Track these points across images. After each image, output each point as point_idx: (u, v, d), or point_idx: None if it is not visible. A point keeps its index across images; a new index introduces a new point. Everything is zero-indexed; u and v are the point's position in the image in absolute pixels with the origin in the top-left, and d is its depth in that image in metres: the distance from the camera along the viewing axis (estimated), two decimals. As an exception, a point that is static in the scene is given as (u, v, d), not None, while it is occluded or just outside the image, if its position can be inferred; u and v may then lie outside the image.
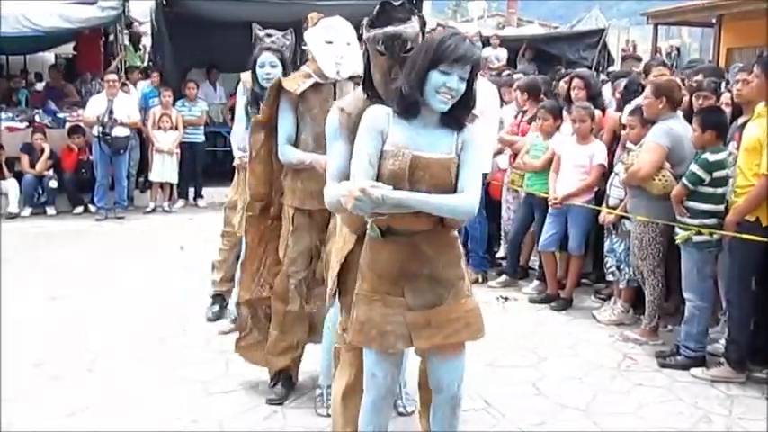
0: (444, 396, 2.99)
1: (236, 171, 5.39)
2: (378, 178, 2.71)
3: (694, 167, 4.79)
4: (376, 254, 2.85)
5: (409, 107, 2.76)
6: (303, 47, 4.12)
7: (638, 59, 9.02)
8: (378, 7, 3.03)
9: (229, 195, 5.62)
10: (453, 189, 2.77)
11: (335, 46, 3.89)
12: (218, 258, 5.71)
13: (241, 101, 5.25)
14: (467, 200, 2.75)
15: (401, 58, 2.92)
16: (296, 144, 4.04)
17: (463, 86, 2.73)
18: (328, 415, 3.92)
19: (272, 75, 4.68)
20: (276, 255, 4.25)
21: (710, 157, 4.76)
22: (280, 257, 4.21)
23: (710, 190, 4.75)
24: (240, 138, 5.13)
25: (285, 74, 4.75)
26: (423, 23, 3.04)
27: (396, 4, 3.03)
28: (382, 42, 2.96)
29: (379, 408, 3.01)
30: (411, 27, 2.97)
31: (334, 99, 3.95)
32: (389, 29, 2.96)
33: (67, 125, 10.81)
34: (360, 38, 3.35)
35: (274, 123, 4.09)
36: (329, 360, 4.01)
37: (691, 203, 4.84)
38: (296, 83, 3.99)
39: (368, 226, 2.86)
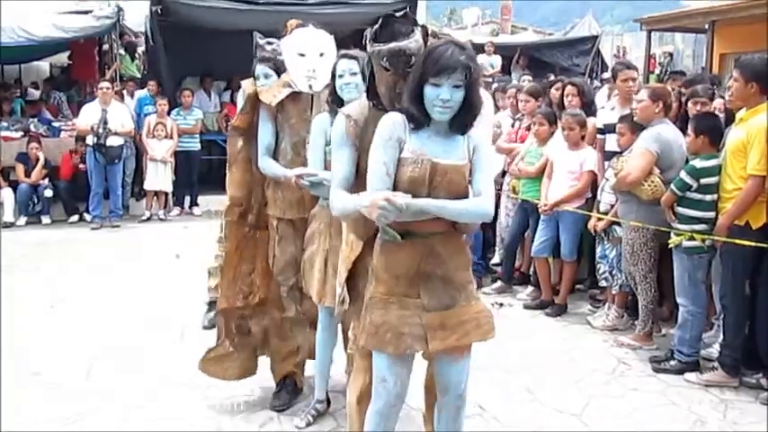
0: (450, 397, 3.02)
1: None
2: (396, 185, 2.77)
3: (682, 173, 4.83)
4: (392, 256, 2.87)
5: (418, 121, 2.82)
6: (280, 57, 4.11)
7: (627, 66, 9.01)
8: (381, 21, 3.04)
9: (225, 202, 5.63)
10: (466, 193, 2.84)
11: (307, 58, 3.88)
12: (214, 265, 5.72)
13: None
14: (484, 204, 2.83)
15: (405, 74, 2.94)
16: (275, 153, 4.06)
17: (459, 94, 2.75)
18: (301, 427, 4.00)
19: (266, 85, 4.72)
20: (251, 264, 4.26)
21: (698, 163, 4.79)
22: (254, 267, 4.24)
23: (699, 196, 4.78)
24: None
25: None
26: (426, 34, 3.05)
27: (398, 16, 3.05)
28: (386, 59, 2.96)
29: (387, 415, 3.01)
30: (414, 41, 2.96)
31: (312, 108, 3.99)
32: (393, 45, 2.95)
33: (63, 134, 10.85)
34: (359, 46, 3.38)
35: (253, 131, 4.10)
36: (322, 371, 4.04)
37: (680, 209, 4.88)
38: (272, 94, 4.01)
39: (381, 230, 2.88)
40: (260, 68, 4.72)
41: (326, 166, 3.69)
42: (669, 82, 7.01)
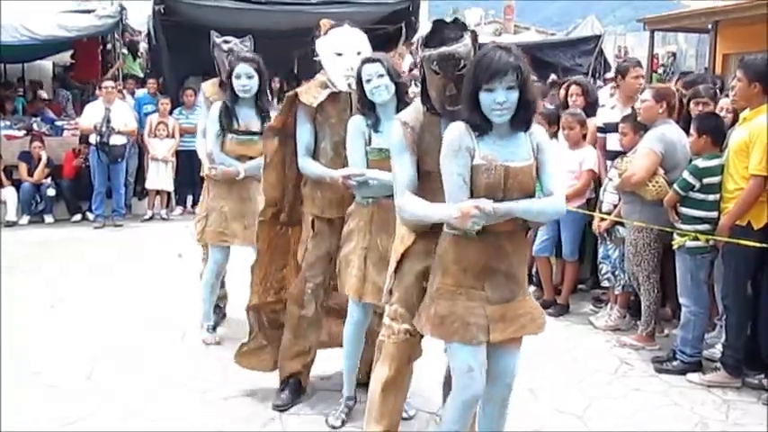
0: (498, 386, 3.16)
1: (204, 181, 5.40)
2: (472, 192, 2.88)
3: (685, 173, 4.82)
4: (462, 250, 2.97)
5: (480, 127, 2.90)
6: (315, 57, 4.10)
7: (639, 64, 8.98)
8: (431, 26, 3.16)
9: (198, 209, 5.60)
10: (533, 190, 2.97)
11: (345, 57, 3.91)
12: (202, 268, 5.73)
13: (203, 113, 5.28)
14: (559, 202, 3.00)
15: (455, 77, 3.02)
16: (315, 153, 4.07)
17: (514, 95, 2.85)
18: (337, 427, 3.99)
19: (248, 86, 4.75)
20: (282, 260, 4.31)
21: (701, 163, 4.78)
22: (286, 263, 4.27)
23: (701, 196, 4.78)
24: (205, 149, 5.16)
25: (261, 83, 4.80)
26: (475, 38, 3.10)
27: (448, 21, 3.12)
28: (436, 63, 3.05)
29: (473, 406, 3.13)
30: (464, 45, 3.05)
31: (351, 107, 3.99)
32: (443, 49, 3.03)
33: (66, 132, 10.86)
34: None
35: (290, 131, 4.13)
36: (351, 367, 4.04)
37: (683, 209, 4.87)
38: (312, 95, 4.02)
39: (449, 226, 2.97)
40: (242, 67, 4.72)
41: (369, 166, 3.75)
42: (676, 83, 6.97)
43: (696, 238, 4.80)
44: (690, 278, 4.88)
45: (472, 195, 2.86)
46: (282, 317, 4.34)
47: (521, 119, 2.93)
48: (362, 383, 4.01)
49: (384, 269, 3.65)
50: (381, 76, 3.68)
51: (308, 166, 4.05)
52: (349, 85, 3.91)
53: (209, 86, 5.54)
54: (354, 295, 3.84)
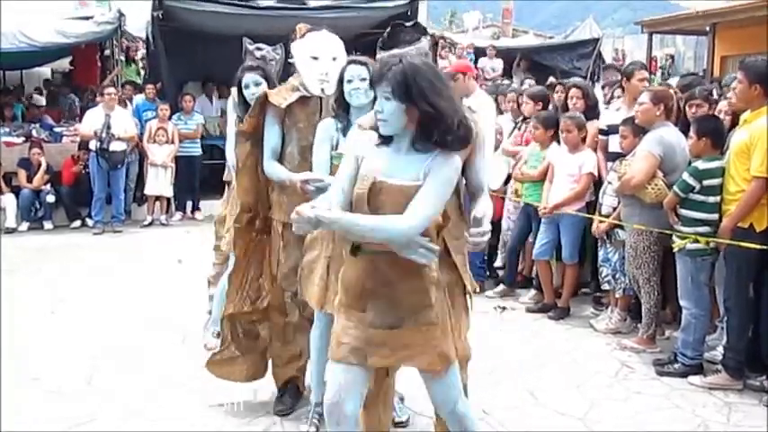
0: (444, 414, 3.10)
1: (227, 185, 5.39)
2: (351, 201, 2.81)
3: (685, 175, 4.82)
4: (346, 268, 2.93)
5: (381, 135, 2.82)
6: (290, 60, 4.11)
7: (618, 69, 9.03)
8: (389, 29, 3.10)
9: (219, 210, 5.64)
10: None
11: (321, 62, 3.88)
12: (212, 273, 5.72)
13: (231, 116, 5.29)
14: (401, 222, 2.64)
15: None
16: (281, 157, 4.03)
17: (388, 106, 2.69)
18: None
19: (256, 94, 4.72)
20: (258, 269, 4.25)
21: (701, 165, 4.79)
22: (261, 272, 4.23)
23: (701, 198, 4.78)
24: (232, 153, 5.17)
25: (270, 88, 4.77)
26: (434, 43, 3.09)
27: (407, 25, 3.09)
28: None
29: (330, 415, 2.96)
30: (415, 49, 3.02)
31: (321, 112, 3.96)
32: (394, 51, 3.05)
33: (65, 139, 10.87)
34: (361, 50, 3.40)
35: (260, 135, 4.09)
36: (319, 374, 4.01)
37: (683, 211, 4.87)
38: (282, 96, 3.99)
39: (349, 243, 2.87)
40: (249, 77, 4.71)
41: (332, 172, 3.67)
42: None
43: (696, 241, 4.80)
44: (690, 280, 4.88)
45: (351, 205, 2.79)
46: (258, 327, 4.32)
47: (420, 139, 2.73)
48: None
49: None
50: (363, 79, 3.64)
51: (272, 169, 4.00)
52: (322, 90, 3.89)
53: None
54: (317, 304, 3.79)
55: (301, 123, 4.00)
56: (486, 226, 2.98)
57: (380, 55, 3.05)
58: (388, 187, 2.73)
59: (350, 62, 3.73)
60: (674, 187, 4.87)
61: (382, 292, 2.83)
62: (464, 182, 3.34)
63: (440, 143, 2.72)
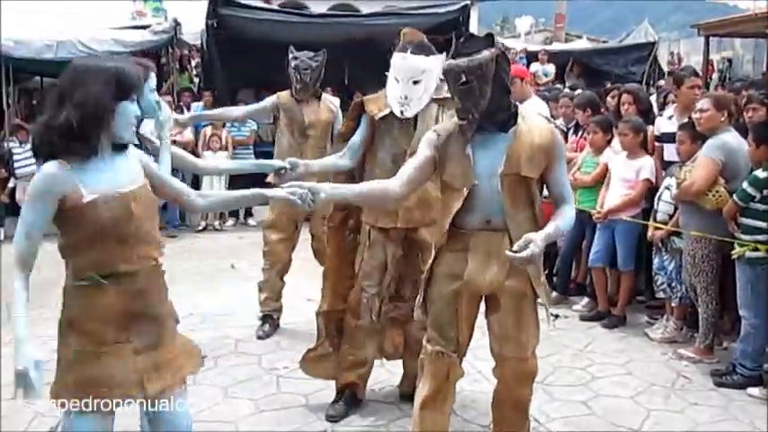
0: None
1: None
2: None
3: (744, 184, 4.71)
4: (98, 302, 2.59)
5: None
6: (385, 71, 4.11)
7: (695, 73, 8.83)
8: (464, 39, 3.22)
9: (266, 215, 5.70)
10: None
11: (401, 85, 3.89)
12: (262, 279, 5.78)
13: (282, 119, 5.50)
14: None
15: (455, 90, 3.11)
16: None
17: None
18: None
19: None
20: (351, 268, 4.30)
21: (761, 174, 4.67)
22: (354, 271, 4.26)
23: (763, 207, 4.66)
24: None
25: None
26: (501, 55, 3.12)
27: (478, 36, 3.19)
28: (443, 74, 3.26)
29: None
30: (469, 60, 3.05)
31: (415, 123, 3.98)
32: (451, 62, 3.13)
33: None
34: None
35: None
36: None
37: (743, 220, 4.76)
38: (378, 106, 4.06)
39: (75, 277, 2.62)
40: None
41: None
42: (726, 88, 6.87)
43: (756, 249, 4.69)
44: (750, 289, 4.76)
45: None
46: None
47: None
48: (407, 395, 4.12)
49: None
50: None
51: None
52: (401, 112, 3.90)
53: (285, 97, 5.71)
54: None
55: (395, 131, 4.03)
56: (531, 250, 2.90)
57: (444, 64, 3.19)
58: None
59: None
60: (734, 196, 4.77)
61: (143, 311, 2.69)
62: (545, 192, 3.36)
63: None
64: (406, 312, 4.14)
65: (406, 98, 3.87)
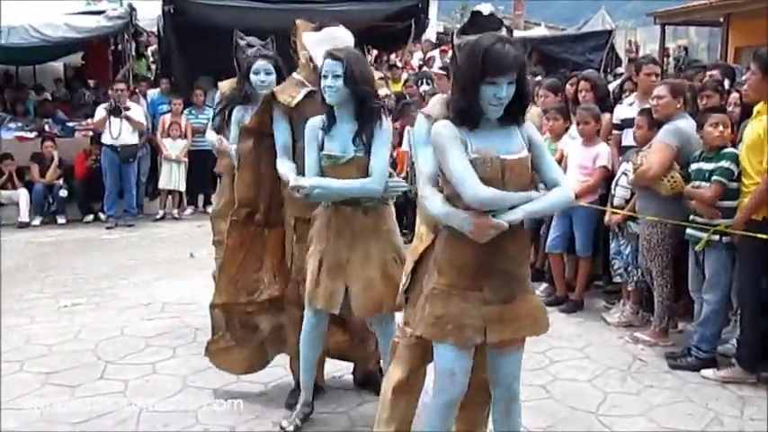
0: (501, 390, 3.11)
1: (219, 178, 5.38)
2: None
3: (725, 163, 4.71)
4: (458, 249, 2.89)
5: (472, 120, 2.84)
6: (293, 54, 4.08)
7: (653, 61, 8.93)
8: (470, 17, 3.11)
9: (214, 204, 5.61)
10: (530, 184, 2.92)
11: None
12: (216, 269, 5.72)
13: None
14: (566, 191, 2.96)
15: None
16: (294, 153, 3.98)
17: (512, 90, 2.79)
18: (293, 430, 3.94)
19: (266, 81, 4.66)
20: (257, 262, 4.23)
21: (736, 150, 4.73)
22: (261, 265, 4.21)
23: (736, 185, 4.68)
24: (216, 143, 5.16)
25: (279, 81, 4.65)
26: (510, 33, 3.07)
27: (485, 14, 3.08)
28: None
29: (454, 409, 3.07)
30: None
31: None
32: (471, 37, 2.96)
33: (78, 133, 10.91)
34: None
35: (265, 130, 4.05)
36: (309, 371, 4.01)
37: (724, 203, 4.74)
38: (289, 94, 3.95)
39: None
40: (260, 64, 4.67)
41: (322, 173, 3.68)
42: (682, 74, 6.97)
43: (718, 233, 4.72)
44: (723, 274, 4.80)
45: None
46: (256, 319, 4.31)
47: (514, 113, 2.87)
48: (362, 382, 4.28)
49: (339, 276, 3.68)
50: (337, 76, 3.56)
51: (279, 167, 3.95)
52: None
53: (226, 86, 5.54)
54: (306, 299, 3.82)
55: (309, 118, 3.97)
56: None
57: (463, 40, 3.00)
58: (512, 163, 2.85)
59: (327, 56, 3.62)
60: (716, 177, 4.72)
61: (500, 267, 2.89)
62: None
63: (523, 116, 2.93)
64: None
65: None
